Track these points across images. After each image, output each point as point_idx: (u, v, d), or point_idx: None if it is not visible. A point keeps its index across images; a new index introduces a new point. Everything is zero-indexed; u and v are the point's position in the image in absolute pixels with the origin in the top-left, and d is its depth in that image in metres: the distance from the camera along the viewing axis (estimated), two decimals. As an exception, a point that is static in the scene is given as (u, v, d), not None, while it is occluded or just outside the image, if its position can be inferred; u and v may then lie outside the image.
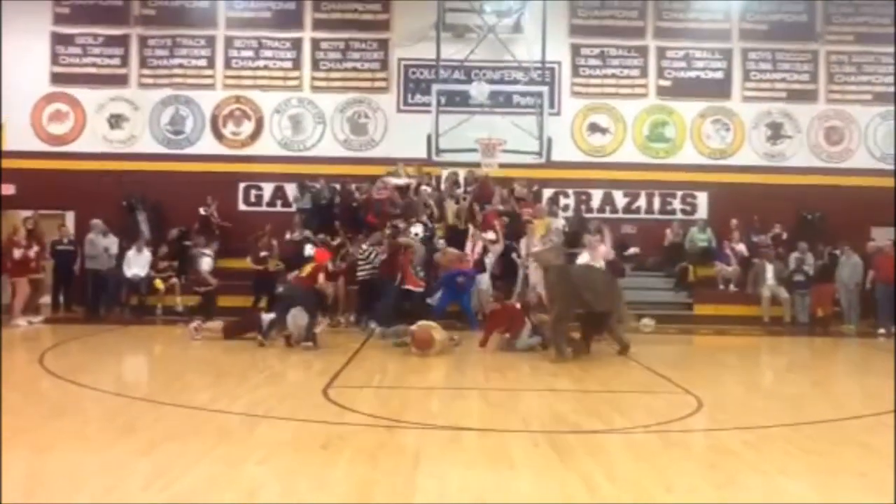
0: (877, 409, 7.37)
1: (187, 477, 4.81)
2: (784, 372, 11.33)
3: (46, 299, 15.13)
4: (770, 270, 15.52)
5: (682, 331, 14.65)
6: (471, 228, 14.88)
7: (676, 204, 18.04)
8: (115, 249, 15.40)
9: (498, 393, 8.18)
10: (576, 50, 18.15)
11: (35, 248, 14.17)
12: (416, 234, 14.52)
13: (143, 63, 17.94)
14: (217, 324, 12.15)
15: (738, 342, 13.92)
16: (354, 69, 18.07)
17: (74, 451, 5.45)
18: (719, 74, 18.23)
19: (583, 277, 10.83)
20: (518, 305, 11.93)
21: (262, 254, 14.92)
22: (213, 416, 6.67)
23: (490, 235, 14.49)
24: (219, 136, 17.99)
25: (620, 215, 17.80)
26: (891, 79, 17.97)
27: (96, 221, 15.51)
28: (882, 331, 14.38)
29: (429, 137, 15.13)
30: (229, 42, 18.02)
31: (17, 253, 13.61)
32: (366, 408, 7.09)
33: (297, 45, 18.03)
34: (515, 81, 17.23)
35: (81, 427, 6.26)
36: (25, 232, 14.19)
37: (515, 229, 14.97)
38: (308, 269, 11.73)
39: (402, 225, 14.85)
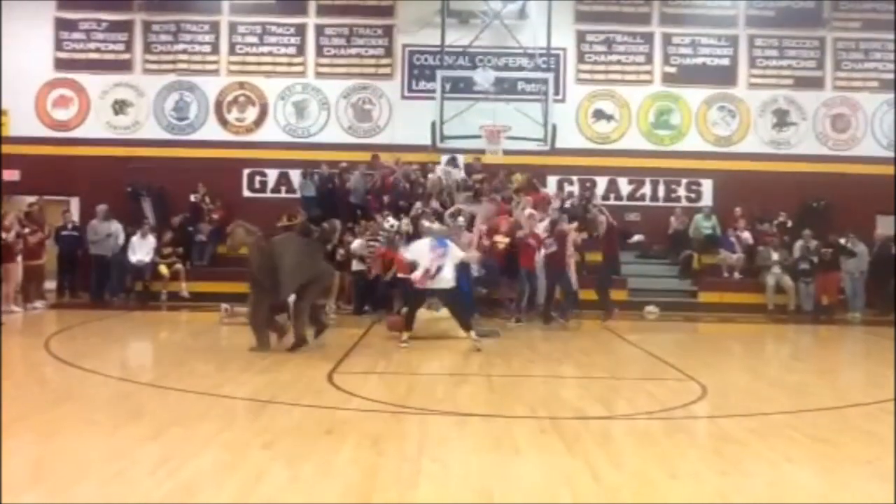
0: (881, 396, 7.37)
1: (193, 462, 4.83)
2: (788, 360, 11.34)
3: (49, 285, 15.13)
4: (775, 258, 15.50)
5: (687, 318, 14.68)
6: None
7: (681, 191, 17.97)
8: (119, 235, 15.44)
9: (502, 379, 8.19)
10: (581, 36, 18.05)
11: (38, 234, 14.06)
12: (392, 226, 13.68)
13: (147, 49, 17.89)
14: (245, 309, 12.01)
15: (742, 330, 13.91)
16: (359, 55, 18.00)
17: (81, 436, 5.47)
18: (725, 61, 18.13)
19: (277, 257, 9.40)
20: None
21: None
22: (218, 402, 6.69)
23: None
24: (223, 122, 17.96)
25: (625, 202, 17.73)
26: (898, 66, 17.89)
27: (101, 207, 15.54)
28: None
29: (433, 124, 15.11)
30: (233, 28, 17.95)
31: (6, 237, 13.15)
32: (370, 393, 7.12)
33: (301, 30, 17.97)
34: (520, 68, 17.23)
35: (87, 412, 6.28)
36: (16, 217, 13.94)
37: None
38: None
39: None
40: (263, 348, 9.32)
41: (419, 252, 10.17)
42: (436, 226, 12.22)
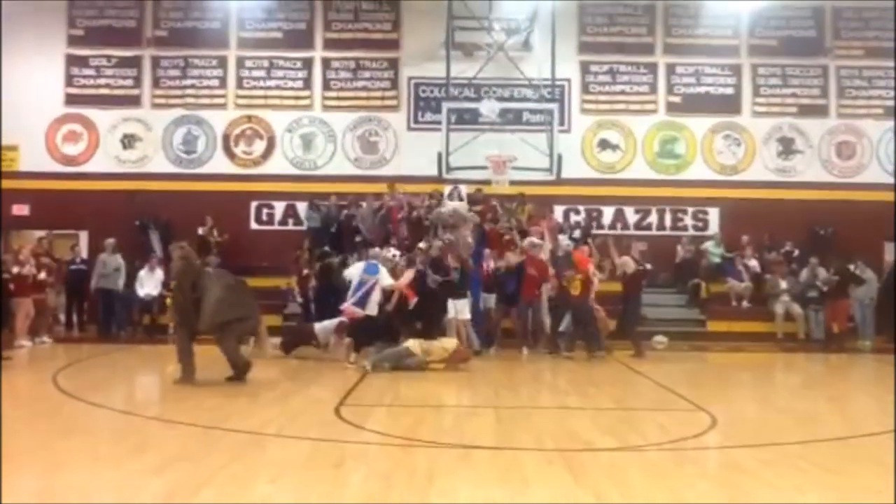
0: (892, 426, 7.28)
1: (199, 495, 4.80)
2: (798, 388, 11.25)
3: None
4: (783, 286, 15.43)
5: (695, 348, 14.57)
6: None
7: (688, 220, 18.00)
8: (121, 269, 15.45)
9: (510, 410, 8.15)
10: (585, 67, 18.21)
11: (40, 267, 14.06)
12: (394, 256, 13.34)
13: (156, 84, 18.11)
14: (275, 340, 11.76)
15: (751, 359, 13.82)
16: (365, 88, 18.19)
17: (86, 470, 5.45)
18: (729, 90, 18.23)
19: (203, 288, 9.24)
20: None
21: (305, 272, 14.38)
22: (225, 435, 6.66)
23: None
24: (231, 155, 18.11)
25: (632, 232, 17.73)
26: (901, 93, 17.92)
27: (109, 241, 15.61)
28: None
29: (439, 155, 15.17)
30: (241, 62, 18.17)
31: (16, 271, 13.13)
32: (378, 426, 7.09)
33: (307, 64, 18.17)
34: (525, 99, 17.32)
35: (93, 445, 6.26)
36: (29, 252, 13.97)
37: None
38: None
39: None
40: (188, 379, 9.22)
41: (354, 274, 11.24)
42: (376, 250, 12.73)
